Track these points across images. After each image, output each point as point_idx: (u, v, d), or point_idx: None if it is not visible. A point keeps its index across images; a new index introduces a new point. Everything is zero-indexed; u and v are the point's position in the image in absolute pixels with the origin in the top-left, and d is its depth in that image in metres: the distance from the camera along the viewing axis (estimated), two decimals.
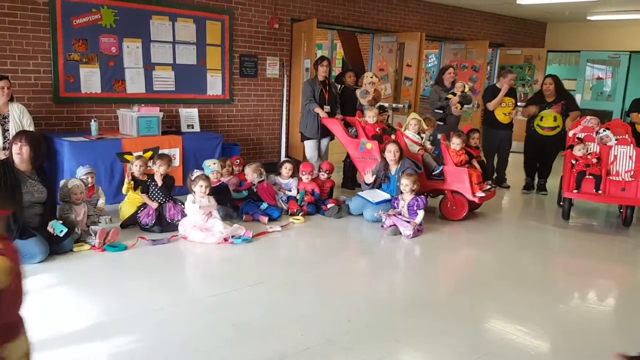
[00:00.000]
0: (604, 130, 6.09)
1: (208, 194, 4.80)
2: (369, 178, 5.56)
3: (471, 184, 5.58)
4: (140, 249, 4.39)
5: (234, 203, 5.42)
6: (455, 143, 5.77)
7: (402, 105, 8.71)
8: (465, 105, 6.98)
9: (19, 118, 5.04)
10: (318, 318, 3.29)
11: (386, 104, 7.74)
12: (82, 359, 2.69)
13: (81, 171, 4.81)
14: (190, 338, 2.96)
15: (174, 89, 6.74)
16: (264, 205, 5.39)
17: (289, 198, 5.67)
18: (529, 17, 11.36)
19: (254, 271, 4.05)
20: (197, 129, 6.69)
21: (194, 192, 4.75)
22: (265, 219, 5.23)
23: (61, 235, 4.04)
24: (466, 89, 6.87)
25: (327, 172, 5.96)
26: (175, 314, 3.26)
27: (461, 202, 5.65)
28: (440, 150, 5.91)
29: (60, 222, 4.11)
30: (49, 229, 4.02)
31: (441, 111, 6.82)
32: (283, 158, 6.04)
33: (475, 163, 5.98)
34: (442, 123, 6.77)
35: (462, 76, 8.95)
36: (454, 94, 6.76)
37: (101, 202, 4.90)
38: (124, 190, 5.08)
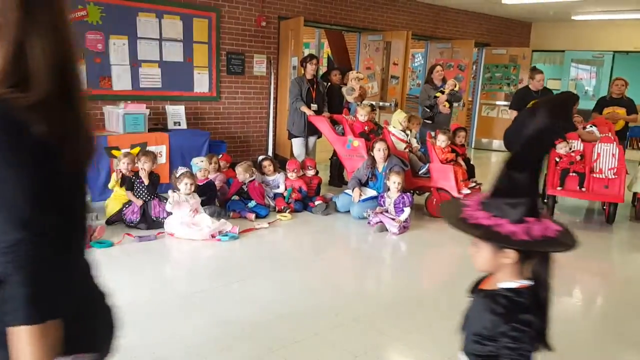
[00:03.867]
0: (590, 127, 6.19)
1: (194, 191, 4.80)
2: (356, 197, 5.50)
3: (456, 181, 5.64)
4: (127, 245, 4.37)
5: (221, 200, 5.42)
6: (441, 140, 5.82)
7: (388, 104, 8.77)
8: (454, 104, 7.03)
9: None
10: (306, 313, 3.31)
11: (373, 102, 7.78)
12: None
13: None
14: (178, 333, 2.96)
15: (160, 86, 6.71)
16: (252, 203, 5.40)
17: (276, 195, 5.68)
18: (514, 17, 11.49)
19: (242, 267, 4.06)
20: (184, 126, 6.67)
21: (178, 190, 4.73)
22: (252, 215, 5.24)
23: None
24: (456, 88, 6.94)
25: (311, 167, 5.96)
26: (162, 309, 3.26)
27: (447, 199, 5.71)
28: (427, 148, 5.97)
29: None
30: None
31: (429, 110, 6.87)
32: (263, 157, 6.03)
33: (460, 161, 6.04)
34: (430, 122, 6.82)
35: (448, 75, 8.99)
36: (442, 92, 6.82)
37: (87, 199, 4.86)
38: (110, 185, 5.06)
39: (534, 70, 6.94)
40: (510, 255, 1.38)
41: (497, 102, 11.28)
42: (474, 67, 11.12)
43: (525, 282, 1.40)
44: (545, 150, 1.44)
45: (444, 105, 6.83)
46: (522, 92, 7.09)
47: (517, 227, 1.32)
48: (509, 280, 1.41)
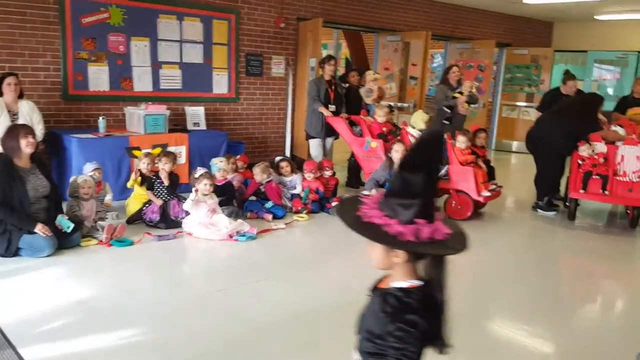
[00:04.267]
0: (615, 127, 6.09)
1: (212, 192, 4.84)
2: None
3: (476, 183, 5.59)
4: (147, 244, 4.43)
5: (238, 201, 5.45)
6: (461, 142, 5.78)
7: (407, 105, 8.73)
8: (471, 105, 6.97)
9: (29, 115, 5.10)
10: (321, 314, 3.32)
11: (391, 104, 7.76)
12: (88, 350, 2.73)
13: (88, 167, 4.86)
14: (196, 332, 2.99)
15: (180, 87, 6.79)
16: (269, 204, 5.42)
17: (293, 196, 5.70)
18: (535, 16, 11.34)
19: (259, 267, 4.08)
20: (203, 127, 6.74)
21: (197, 190, 4.78)
22: (270, 216, 5.27)
23: (69, 231, 4.09)
24: (474, 89, 6.87)
25: (328, 168, 5.98)
26: (180, 308, 3.29)
27: (466, 202, 5.66)
28: (446, 149, 5.92)
29: (67, 217, 4.16)
30: (57, 224, 4.06)
31: (449, 110, 6.82)
32: (281, 157, 6.06)
33: (480, 162, 5.99)
34: (447, 122, 6.77)
35: (468, 76, 8.95)
36: (461, 93, 6.76)
37: (108, 198, 4.94)
38: (129, 184, 5.13)
39: (568, 76, 6.82)
40: (399, 255, 1.39)
41: (518, 103, 11.15)
42: (495, 67, 11.01)
43: (416, 282, 1.41)
44: (436, 153, 1.43)
45: (463, 107, 6.77)
46: (552, 94, 6.99)
47: (405, 228, 1.33)
48: (401, 280, 1.42)
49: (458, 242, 1.39)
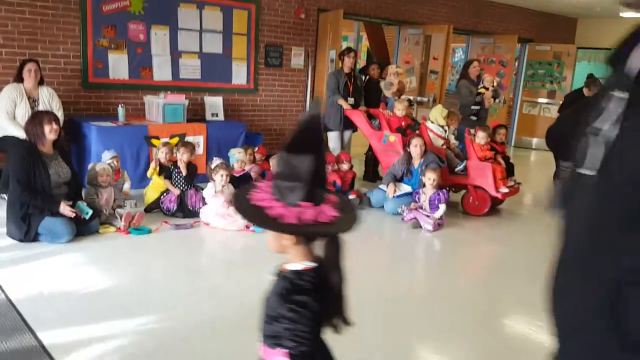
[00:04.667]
0: None
1: (229, 182, 4.84)
2: (391, 193, 5.47)
3: (495, 179, 5.52)
4: (164, 233, 4.46)
5: None
6: (480, 137, 5.71)
7: (427, 99, 8.65)
8: (495, 100, 6.91)
9: (49, 101, 5.14)
10: None
11: (411, 97, 7.69)
12: (104, 335, 2.75)
13: (106, 155, 4.89)
14: (212, 320, 3.00)
15: (199, 77, 6.79)
16: None
17: None
18: (559, 12, 11.14)
19: (275, 259, 4.07)
20: (221, 117, 6.74)
21: (214, 181, 4.78)
22: None
23: (87, 217, 4.12)
24: (495, 84, 6.80)
25: (345, 161, 5.94)
26: (196, 296, 3.30)
27: (484, 198, 5.60)
28: (465, 145, 5.86)
29: (86, 204, 4.19)
30: (76, 210, 4.10)
31: (478, 107, 6.75)
32: None
33: (499, 159, 5.91)
34: (475, 118, 6.71)
35: (489, 71, 8.82)
36: (486, 88, 6.69)
37: (127, 186, 4.98)
38: (148, 173, 5.16)
39: (593, 81, 6.75)
40: (288, 238, 1.40)
41: (539, 100, 10.99)
42: (516, 63, 10.86)
43: (310, 264, 1.43)
44: (317, 136, 1.42)
45: (490, 102, 6.73)
46: (573, 96, 6.92)
47: (288, 210, 1.33)
48: (296, 262, 1.45)
49: (346, 224, 1.40)
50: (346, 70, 6.44)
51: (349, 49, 6.60)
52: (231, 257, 4.22)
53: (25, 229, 3.91)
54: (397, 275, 4.11)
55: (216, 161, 4.92)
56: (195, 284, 3.49)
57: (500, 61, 9.91)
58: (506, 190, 5.58)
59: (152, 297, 3.24)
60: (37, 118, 4.09)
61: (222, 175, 4.76)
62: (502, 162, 5.90)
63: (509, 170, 6.02)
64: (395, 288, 3.80)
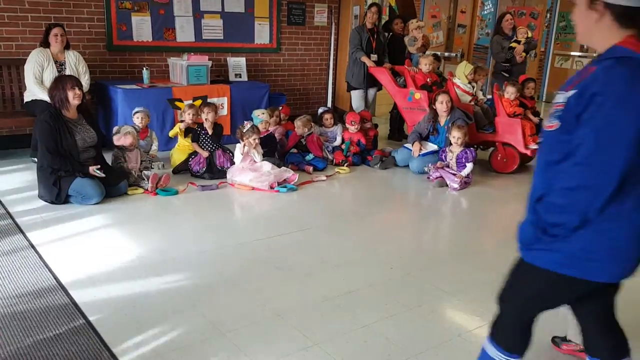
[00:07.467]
0: None
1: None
2: (416, 151, 5.39)
3: (524, 135, 5.39)
4: (190, 194, 4.52)
5: (280, 153, 5.46)
6: (509, 92, 5.55)
7: (454, 54, 8.42)
8: (527, 54, 6.66)
9: (75, 65, 5.19)
10: (360, 264, 3.33)
11: (437, 53, 7.49)
12: (133, 293, 2.84)
13: (137, 110, 4.93)
14: (237, 278, 3.07)
15: (222, 37, 6.73)
16: (310, 156, 5.41)
17: (335, 148, 5.65)
18: None
19: (299, 218, 4.11)
20: (244, 78, 6.70)
21: (245, 144, 4.79)
22: (310, 168, 5.26)
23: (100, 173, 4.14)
24: (529, 35, 6.55)
25: (367, 120, 5.88)
26: (222, 255, 3.37)
27: (512, 155, 5.48)
28: (493, 101, 5.71)
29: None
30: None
31: (508, 64, 6.54)
32: (324, 109, 5.99)
33: (529, 114, 5.75)
34: (507, 74, 6.51)
35: (519, 24, 8.50)
36: (518, 42, 6.46)
37: (154, 148, 5.04)
38: (171, 133, 5.21)
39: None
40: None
41: (572, 53, 10.56)
42: (548, 15, 10.41)
43: None
44: None
45: (521, 56, 6.49)
46: None
47: None
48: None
49: None
50: (369, 26, 6.28)
51: (371, 4, 6.42)
52: (256, 216, 4.27)
53: (56, 192, 4.02)
54: (421, 233, 4.10)
55: (247, 125, 4.91)
56: (220, 242, 3.55)
57: (532, 13, 9.52)
58: (536, 146, 5.45)
59: (179, 256, 3.32)
60: (60, 83, 4.11)
61: (254, 139, 4.76)
62: (532, 117, 5.74)
63: (539, 127, 5.86)
64: (419, 246, 3.80)
